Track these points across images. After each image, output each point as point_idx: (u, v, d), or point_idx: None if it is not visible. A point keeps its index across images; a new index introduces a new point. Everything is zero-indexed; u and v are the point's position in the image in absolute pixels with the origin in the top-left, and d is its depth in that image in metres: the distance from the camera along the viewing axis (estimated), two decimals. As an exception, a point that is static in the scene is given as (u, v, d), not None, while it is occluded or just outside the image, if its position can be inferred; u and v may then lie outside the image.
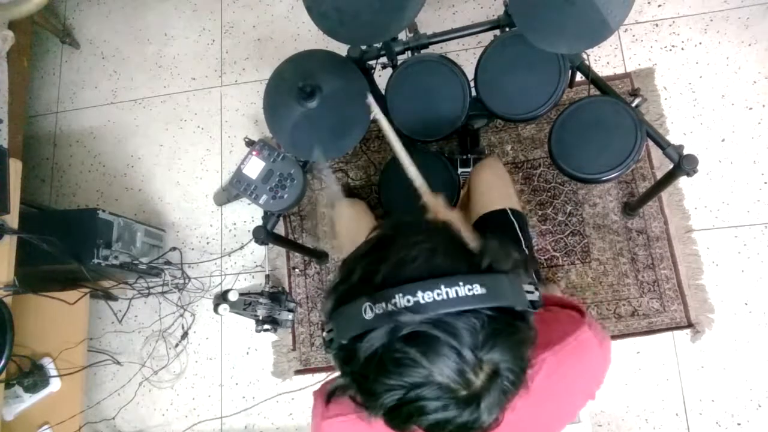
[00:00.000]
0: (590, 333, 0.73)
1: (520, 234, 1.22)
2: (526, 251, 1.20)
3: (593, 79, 1.40)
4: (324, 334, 0.56)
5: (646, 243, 1.76)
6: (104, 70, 2.33)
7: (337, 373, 0.59)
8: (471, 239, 0.56)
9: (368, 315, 0.49)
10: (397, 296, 0.49)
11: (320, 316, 1.89)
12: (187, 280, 1.97)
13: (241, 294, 1.66)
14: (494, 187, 1.32)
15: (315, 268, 1.95)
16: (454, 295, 0.48)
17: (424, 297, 0.48)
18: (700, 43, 1.90)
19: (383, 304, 0.49)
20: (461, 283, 0.49)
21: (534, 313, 0.58)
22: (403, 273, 0.51)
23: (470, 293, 0.49)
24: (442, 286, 0.48)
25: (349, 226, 1.45)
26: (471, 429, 0.52)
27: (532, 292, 0.54)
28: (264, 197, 1.40)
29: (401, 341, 0.48)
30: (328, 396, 0.63)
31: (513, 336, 0.51)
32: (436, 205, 0.93)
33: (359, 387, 0.53)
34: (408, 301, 0.48)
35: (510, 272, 0.53)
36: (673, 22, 1.93)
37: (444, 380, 0.48)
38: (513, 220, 1.22)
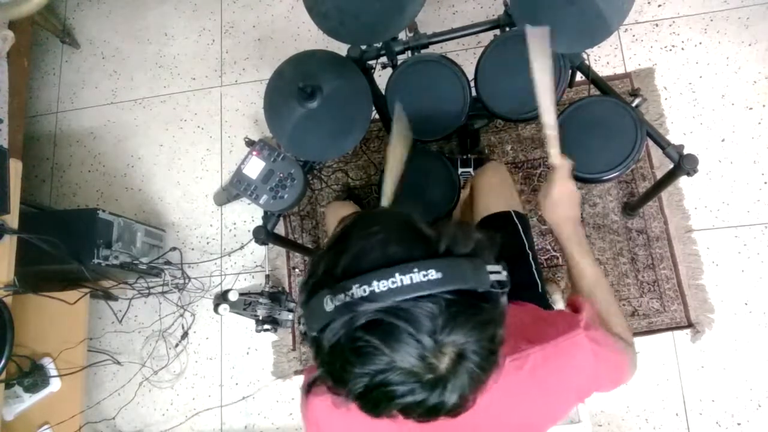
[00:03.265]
0: (584, 338, 0.73)
1: (523, 236, 1.22)
2: (530, 253, 1.20)
3: (593, 79, 1.39)
4: (300, 327, 0.57)
5: (646, 243, 1.76)
6: (104, 70, 2.33)
7: None
8: (428, 228, 0.56)
9: (329, 307, 0.50)
10: (353, 287, 0.50)
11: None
12: (187, 280, 1.97)
13: (241, 294, 1.66)
14: (498, 190, 1.32)
15: (315, 268, 1.95)
16: (409, 282, 0.49)
17: (380, 286, 0.49)
18: (700, 43, 1.90)
19: (342, 296, 0.50)
20: (416, 270, 0.49)
21: (533, 309, 0.58)
22: (360, 264, 0.52)
23: (425, 278, 0.49)
24: (397, 274, 0.49)
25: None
26: (442, 410, 0.53)
27: (498, 272, 0.54)
28: (264, 197, 1.40)
29: (361, 330, 0.49)
30: (308, 386, 0.64)
31: (475, 317, 0.51)
32: (561, 168, 0.92)
33: (330, 375, 0.54)
34: (364, 291, 0.49)
35: (470, 254, 0.53)
36: (673, 22, 1.93)
37: (406, 365, 0.49)
38: (517, 222, 1.23)
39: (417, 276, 0.49)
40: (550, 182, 0.93)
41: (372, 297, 0.49)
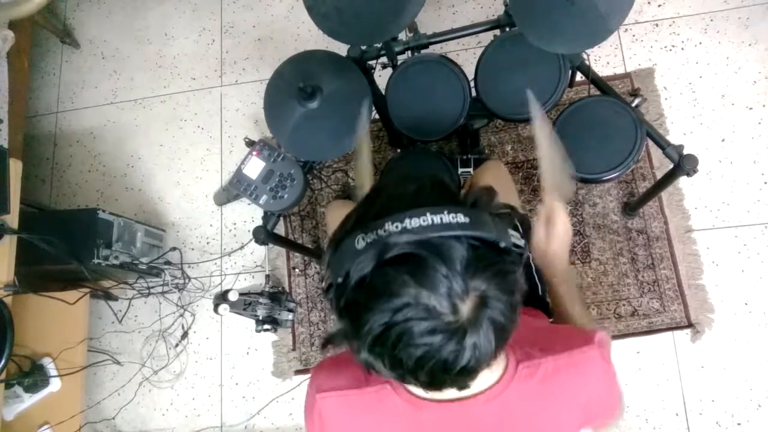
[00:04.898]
0: (597, 353, 0.72)
1: (523, 238, 1.21)
2: (529, 255, 1.20)
3: (593, 79, 1.40)
4: (323, 284, 0.58)
5: (646, 243, 1.77)
6: (104, 70, 2.33)
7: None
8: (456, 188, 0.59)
9: (360, 245, 0.52)
10: (387, 224, 0.52)
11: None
12: (187, 280, 1.97)
13: (241, 294, 1.66)
14: (497, 189, 1.32)
15: (315, 268, 1.95)
16: (439, 221, 0.51)
17: (412, 223, 0.51)
18: (700, 43, 1.90)
19: (374, 233, 0.52)
20: (446, 212, 0.52)
21: (546, 320, 0.58)
22: (392, 205, 0.54)
23: (455, 220, 0.51)
24: (428, 213, 0.51)
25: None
26: (456, 365, 0.52)
27: (518, 238, 0.57)
28: (264, 197, 1.40)
29: (390, 263, 0.51)
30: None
31: (497, 265, 0.53)
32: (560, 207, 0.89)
33: (350, 318, 0.54)
34: (397, 227, 0.51)
35: (493, 214, 0.56)
36: (673, 22, 1.93)
37: (432, 302, 0.50)
38: (517, 223, 1.22)
39: (447, 217, 0.51)
40: (553, 224, 0.89)
41: (404, 231, 0.51)
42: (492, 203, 0.58)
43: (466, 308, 0.51)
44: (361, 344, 0.53)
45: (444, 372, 0.53)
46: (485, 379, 0.65)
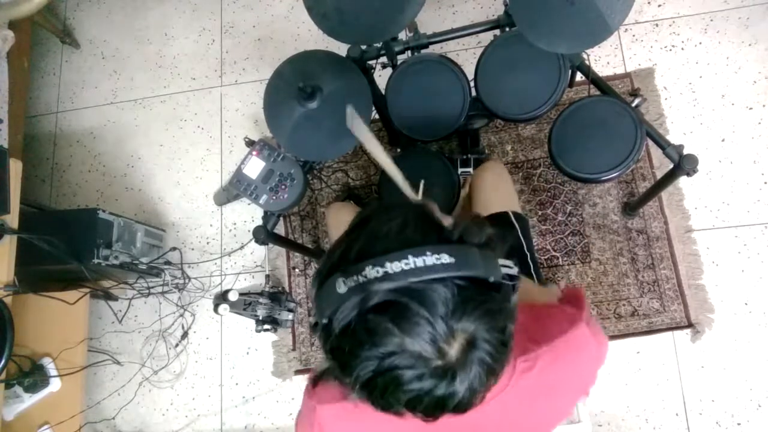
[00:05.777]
0: (587, 331, 0.74)
1: (521, 237, 1.21)
2: (528, 254, 1.20)
3: (593, 79, 1.39)
4: (310, 318, 0.57)
5: (646, 243, 1.77)
6: (104, 70, 2.33)
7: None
8: (446, 219, 0.57)
9: (341, 289, 0.51)
10: (367, 268, 0.50)
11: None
12: (187, 280, 1.97)
13: (241, 294, 1.66)
14: (496, 190, 1.32)
15: (315, 267, 1.95)
16: (422, 264, 0.49)
17: (393, 267, 0.49)
18: (700, 43, 1.90)
19: (355, 277, 0.50)
20: (429, 253, 0.50)
21: (529, 307, 0.58)
22: (374, 247, 0.52)
23: (438, 262, 0.50)
24: (410, 256, 0.50)
25: (340, 228, 1.44)
26: (449, 404, 0.52)
27: (510, 267, 0.55)
28: (264, 197, 1.40)
29: (372, 311, 0.50)
30: (315, 379, 0.64)
31: (485, 304, 0.51)
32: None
33: (338, 362, 0.54)
34: (377, 271, 0.50)
35: (482, 245, 0.54)
36: (673, 22, 1.93)
37: (417, 348, 0.49)
38: (515, 222, 1.22)
39: (430, 259, 0.50)
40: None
41: (385, 278, 0.49)
42: (481, 233, 0.55)
43: (453, 351, 0.50)
44: (351, 385, 0.53)
45: (438, 410, 0.53)
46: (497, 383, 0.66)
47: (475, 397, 0.53)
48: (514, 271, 0.55)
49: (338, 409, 0.70)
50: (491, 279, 0.52)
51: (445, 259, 0.50)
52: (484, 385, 0.53)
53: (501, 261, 0.54)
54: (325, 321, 0.53)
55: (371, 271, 0.50)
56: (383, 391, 0.52)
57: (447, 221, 0.57)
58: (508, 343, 0.54)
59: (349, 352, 0.51)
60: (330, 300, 0.52)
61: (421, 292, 0.49)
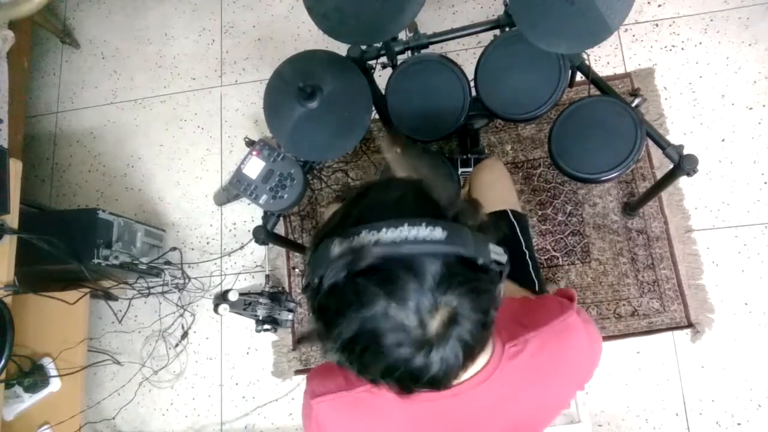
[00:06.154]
0: (577, 318, 0.74)
1: (520, 236, 1.21)
2: (527, 252, 1.20)
3: (593, 79, 1.40)
4: (302, 281, 0.58)
5: (646, 243, 1.77)
6: (104, 70, 2.33)
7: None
8: (442, 197, 0.58)
9: (335, 249, 0.52)
10: (363, 232, 0.51)
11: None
12: (187, 280, 1.97)
13: (241, 294, 1.66)
14: (495, 188, 1.32)
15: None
16: (416, 234, 0.51)
17: (387, 233, 0.51)
18: (700, 43, 1.90)
19: (350, 239, 0.52)
20: (424, 225, 0.51)
21: (522, 298, 0.58)
22: (372, 214, 0.54)
23: (431, 235, 0.51)
24: (406, 225, 0.51)
25: None
26: (422, 376, 0.53)
27: (500, 254, 0.56)
28: (264, 197, 1.40)
29: (362, 274, 0.51)
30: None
31: (471, 283, 0.52)
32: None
33: (323, 322, 0.55)
34: (372, 235, 0.51)
35: (476, 228, 0.55)
36: (673, 22, 1.93)
37: (401, 316, 0.50)
38: (513, 221, 1.22)
39: (424, 231, 0.51)
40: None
41: (378, 243, 0.51)
42: (476, 216, 0.57)
43: (434, 323, 0.51)
44: (331, 346, 0.54)
45: (412, 381, 0.54)
46: (473, 364, 0.66)
47: (449, 374, 0.54)
48: (504, 258, 0.57)
49: (334, 401, 0.71)
50: (480, 261, 0.53)
51: (439, 233, 0.51)
52: (459, 364, 0.53)
53: (492, 247, 0.55)
54: (316, 281, 0.54)
55: (366, 236, 0.51)
56: (362, 352, 0.52)
57: (442, 199, 0.58)
58: (489, 326, 0.55)
59: (335, 311, 0.52)
60: (323, 260, 0.53)
61: (412, 261, 0.50)
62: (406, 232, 0.51)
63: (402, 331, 0.50)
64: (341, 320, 0.52)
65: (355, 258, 0.51)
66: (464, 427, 0.71)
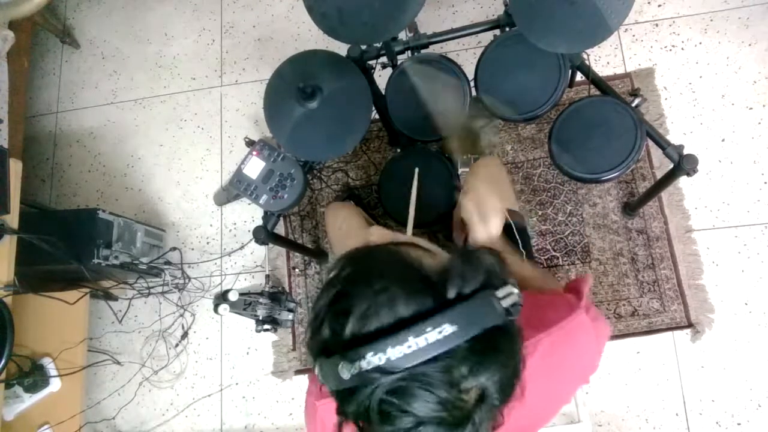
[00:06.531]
0: (586, 317, 0.74)
1: (517, 236, 1.21)
2: (524, 252, 1.20)
3: (593, 79, 1.40)
4: (315, 369, 0.55)
5: (646, 243, 1.76)
6: (104, 70, 2.33)
7: None
8: (432, 261, 0.54)
9: (345, 375, 0.49)
10: (368, 355, 0.48)
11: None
12: (187, 280, 1.97)
13: (241, 294, 1.66)
14: (491, 186, 1.31)
15: (315, 268, 1.95)
16: (425, 343, 0.47)
17: (395, 352, 0.47)
18: (700, 43, 1.90)
19: (357, 363, 0.48)
20: (429, 329, 0.47)
21: (529, 296, 0.58)
22: (369, 327, 0.49)
23: (441, 336, 0.47)
24: (410, 338, 0.47)
25: (340, 227, 1.45)
26: None
27: (510, 294, 0.52)
28: (264, 197, 1.40)
29: (383, 399, 0.48)
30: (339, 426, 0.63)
31: (495, 356, 0.50)
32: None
33: (359, 428, 0.53)
34: (380, 359, 0.47)
35: (482, 289, 0.51)
36: (673, 22, 1.93)
37: (431, 415, 0.48)
38: (510, 221, 1.22)
39: (432, 335, 0.47)
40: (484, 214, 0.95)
41: (389, 365, 0.47)
42: (477, 273, 0.52)
43: (467, 404, 0.49)
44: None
45: None
46: None
47: (495, 424, 0.53)
48: (515, 296, 0.52)
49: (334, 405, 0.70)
50: (499, 321, 0.51)
51: (447, 330, 0.47)
52: (497, 416, 0.53)
53: (501, 292, 0.52)
54: (332, 388, 0.52)
55: (373, 359, 0.47)
56: None
57: (433, 257, 0.54)
58: (518, 376, 0.53)
59: (371, 427, 0.51)
60: (334, 380, 0.50)
61: (427, 373, 0.48)
62: (413, 345, 0.47)
63: (441, 426, 0.49)
64: (372, 428, 0.50)
65: (373, 389, 0.48)
66: None
